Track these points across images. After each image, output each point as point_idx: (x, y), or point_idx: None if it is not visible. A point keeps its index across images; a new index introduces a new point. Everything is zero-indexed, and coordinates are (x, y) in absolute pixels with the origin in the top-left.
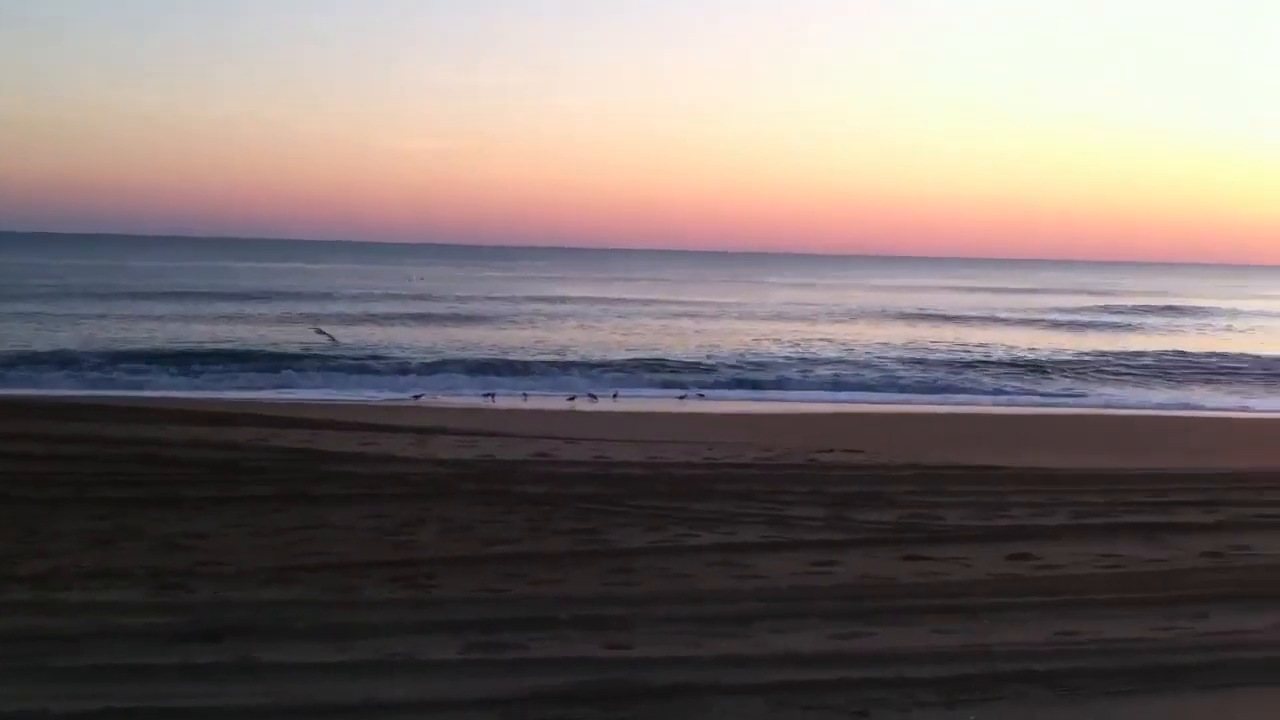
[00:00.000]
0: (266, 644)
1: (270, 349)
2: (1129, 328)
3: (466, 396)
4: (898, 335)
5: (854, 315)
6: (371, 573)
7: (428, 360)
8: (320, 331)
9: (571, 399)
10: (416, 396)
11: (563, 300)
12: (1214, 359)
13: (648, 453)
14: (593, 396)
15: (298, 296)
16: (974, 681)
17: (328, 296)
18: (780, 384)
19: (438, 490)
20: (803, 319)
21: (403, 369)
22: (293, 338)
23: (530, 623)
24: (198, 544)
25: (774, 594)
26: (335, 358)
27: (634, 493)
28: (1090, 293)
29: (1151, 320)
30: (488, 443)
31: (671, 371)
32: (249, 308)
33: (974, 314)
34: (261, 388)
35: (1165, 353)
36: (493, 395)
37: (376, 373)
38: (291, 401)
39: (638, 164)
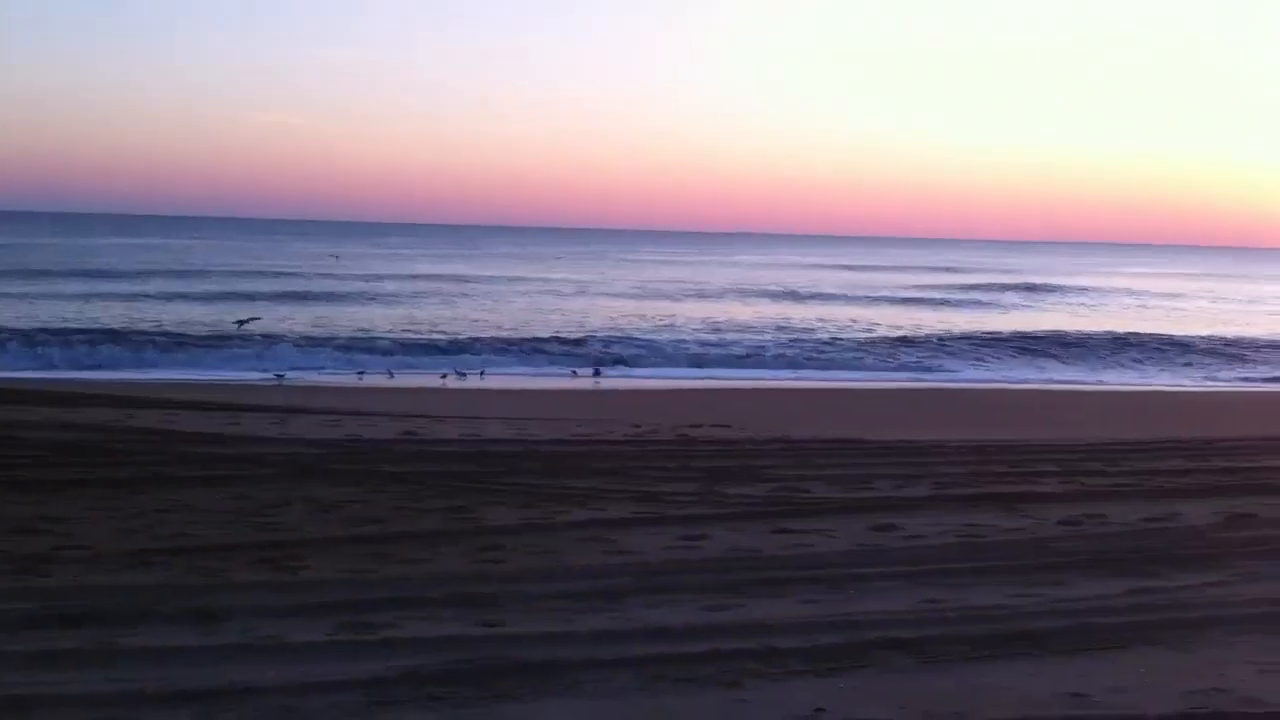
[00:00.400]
0: (127, 629)
1: (128, 328)
2: (986, 304)
3: (331, 375)
4: (763, 312)
5: (720, 292)
6: (235, 555)
7: (290, 339)
8: (243, 323)
9: (444, 376)
10: (279, 376)
11: (428, 278)
12: (1067, 334)
13: (517, 430)
14: (461, 374)
15: (155, 274)
16: (841, 650)
17: (188, 273)
18: (649, 360)
19: (303, 471)
20: (669, 296)
21: (265, 348)
22: (151, 316)
23: (400, 602)
24: (54, 528)
25: (645, 569)
26: (194, 337)
27: (504, 470)
28: (949, 270)
29: (1008, 297)
30: (353, 422)
31: (541, 349)
32: (105, 285)
33: (836, 291)
34: (119, 368)
35: (1021, 328)
36: (361, 374)
37: (237, 352)
38: (150, 381)
39: (506, 140)
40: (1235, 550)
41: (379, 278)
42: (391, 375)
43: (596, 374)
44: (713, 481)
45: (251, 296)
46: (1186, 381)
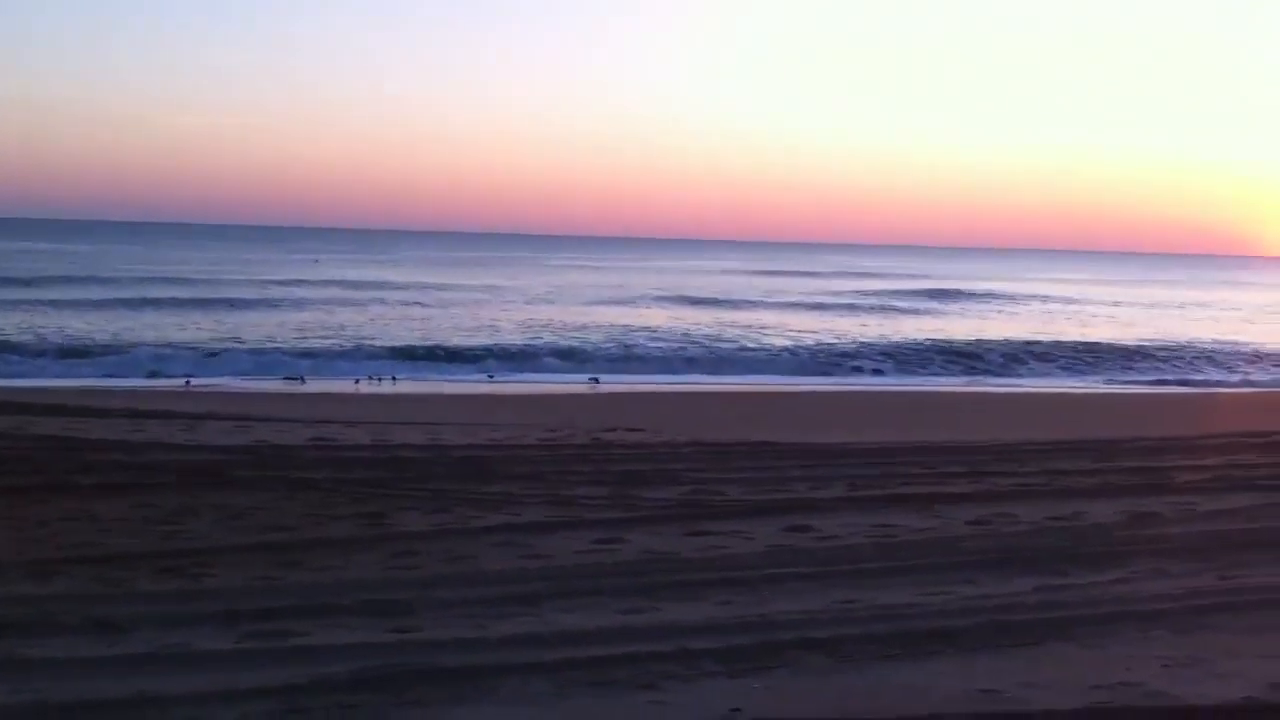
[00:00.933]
0: (30, 640)
1: (25, 334)
2: (901, 310)
3: (240, 381)
4: (680, 316)
5: (636, 297)
6: (141, 564)
7: (197, 344)
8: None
9: (356, 382)
10: (187, 381)
11: (340, 284)
12: (979, 340)
13: (430, 435)
14: (375, 379)
15: (53, 281)
16: (755, 651)
17: (90, 280)
18: (565, 365)
19: (210, 477)
20: (583, 301)
21: (166, 353)
22: (47, 322)
23: (311, 610)
24: None
25: (560, 573)
26: (95, 344)
27: (416, 475)
28: (867, 275)
29: (922, 303)
30: (262, 428)
31: (452, 353)
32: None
33: (751, 296)
34: (15, 375)
35: (933, 333)
36: (282, 378)
37: (136, 356)
38: (50, 388)
39: (420, 143)
40: (1140, 548)
41: (295, 283)
42: (303, 381)
43: (511, 378)
44: (628, 485)
45: (157, 303)
46: (1091, 384)
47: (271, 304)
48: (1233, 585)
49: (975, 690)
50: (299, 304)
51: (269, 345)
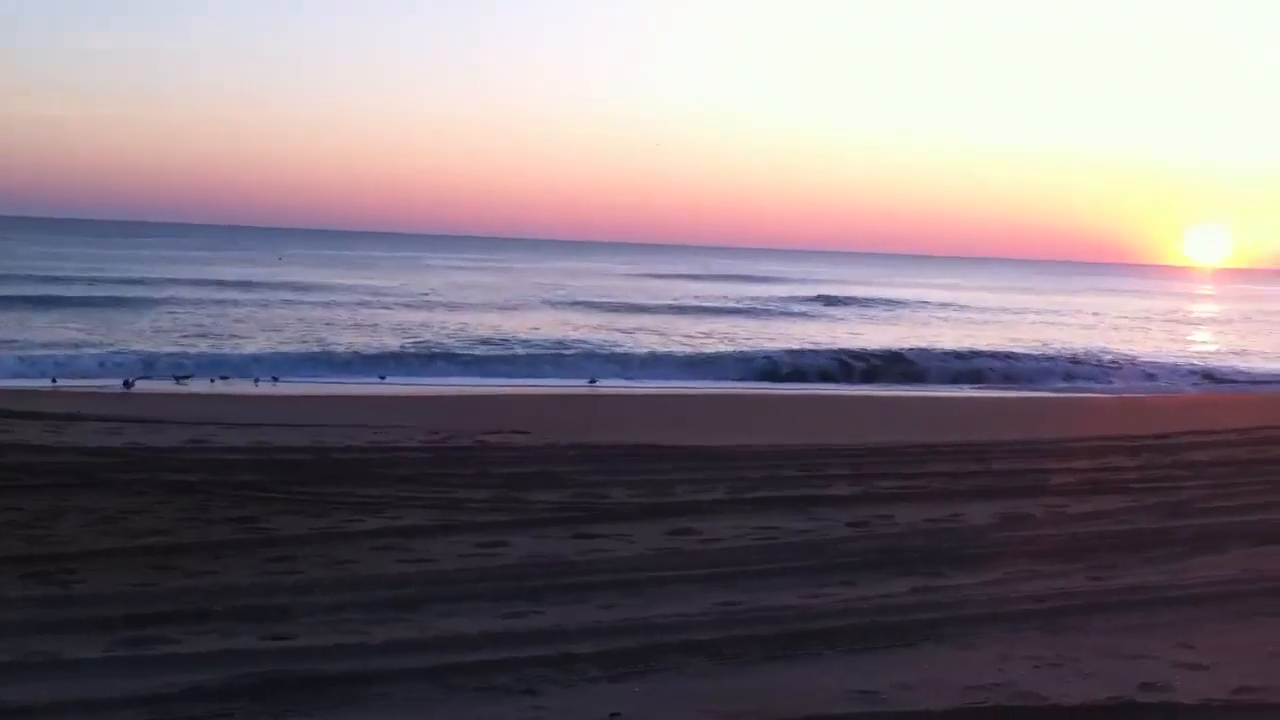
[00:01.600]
0: None
1: None
2: (787, 314)
3: (109, 381)
4: (565, 319)
5: (521, 299)
6: (4, 569)
7: (65, 343)
8: None
9: (254, 380)
10: (54, 380)
11: (218, 284)
12: (858, 346)
13: (310, 437)
14: (254, 381)
15: None
16: (638, 654)
17: None
18: (450, 366)
19: (79, 480)
20: (467, 303)
21: (36, 352)
22: None
23: (184, 616)
24: None
25: (441, 577)
26: None
27: (295, 479)
28: (755, 280)
29: (807, 307)
30: (135, 429)
31: (338, 355)
32: None
33: (637, 300)
34: None
35: (817, 337)
36: (185, 377)
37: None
38: None
39: (302, 140)
40: (1013, 549)
41: (156, 281)
42: (177, 381)
43: (398, 379)
44: (512, 488)
45: (10, 302)
46: (967, 389)
47: (148, 302)
48: (1102, 586)
49: (853, 691)
50: (175, 302)
51: (145, 344)
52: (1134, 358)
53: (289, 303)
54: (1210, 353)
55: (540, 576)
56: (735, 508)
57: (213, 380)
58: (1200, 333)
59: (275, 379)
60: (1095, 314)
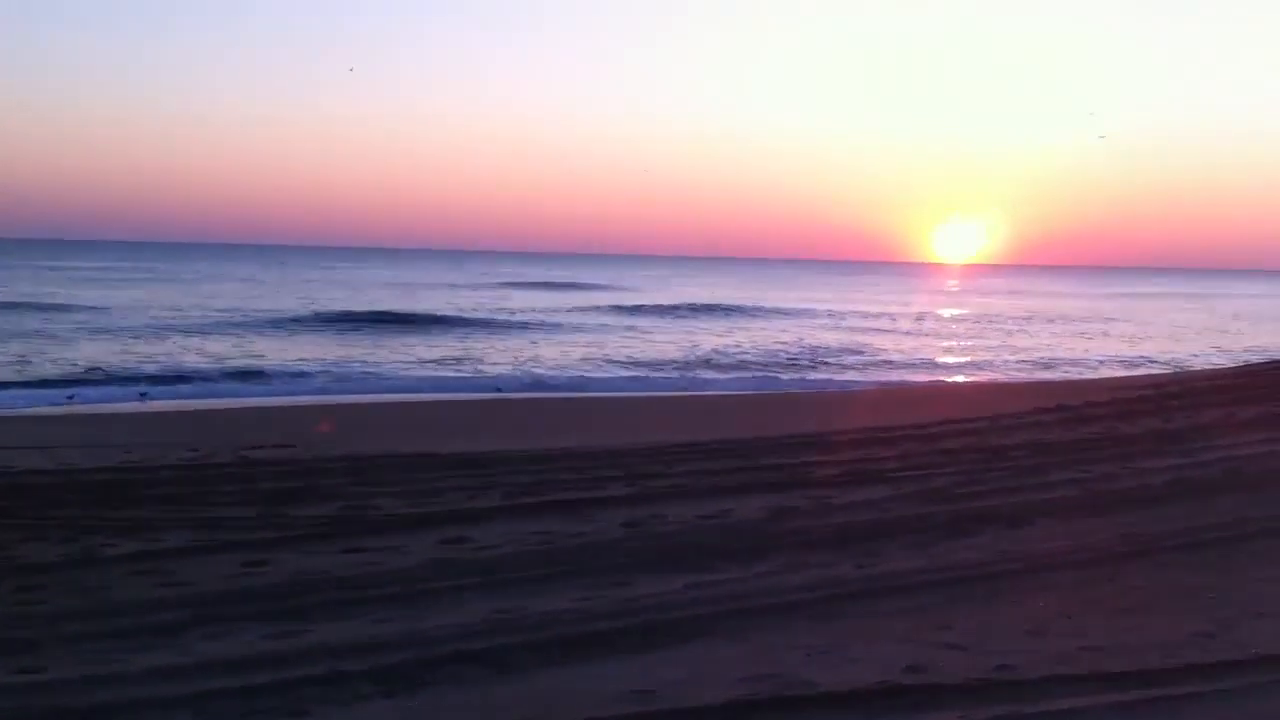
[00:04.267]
0: None
1: None
2: (561, 321)
3: None
4: (341, 338)
5: (289, 309)
6: None
7: None
8: None
9: None
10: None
11: None
12: (631, 355)
13: (56, 459)
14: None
15: None
16: (413, 668)
17: None
18: (209, 381)
19: None
20: (222, 311)
21: None
22: None
23: None
24: None
25: (203, 599)
26: None
27: (41, 503)
28: (531, 286)
29: (592, 316)
30: None
31: (83, 374)
32: None
33: (412, 308)
34: None
35: (592, 343)
36: None
37: None
38: None
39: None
40: (782, 541)
41: None
42: None
43: (144, 394)
44: (277, 503)
45: None
46: (734, 387)
47: None
48: (867, 573)
49: (630, 691)
50: None
51: None
52: (883, 350)
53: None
54: (953, 347)
55: (308, 594)
56: (509, 513)
57: None
58: (945, 326)
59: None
60: (831, 313)
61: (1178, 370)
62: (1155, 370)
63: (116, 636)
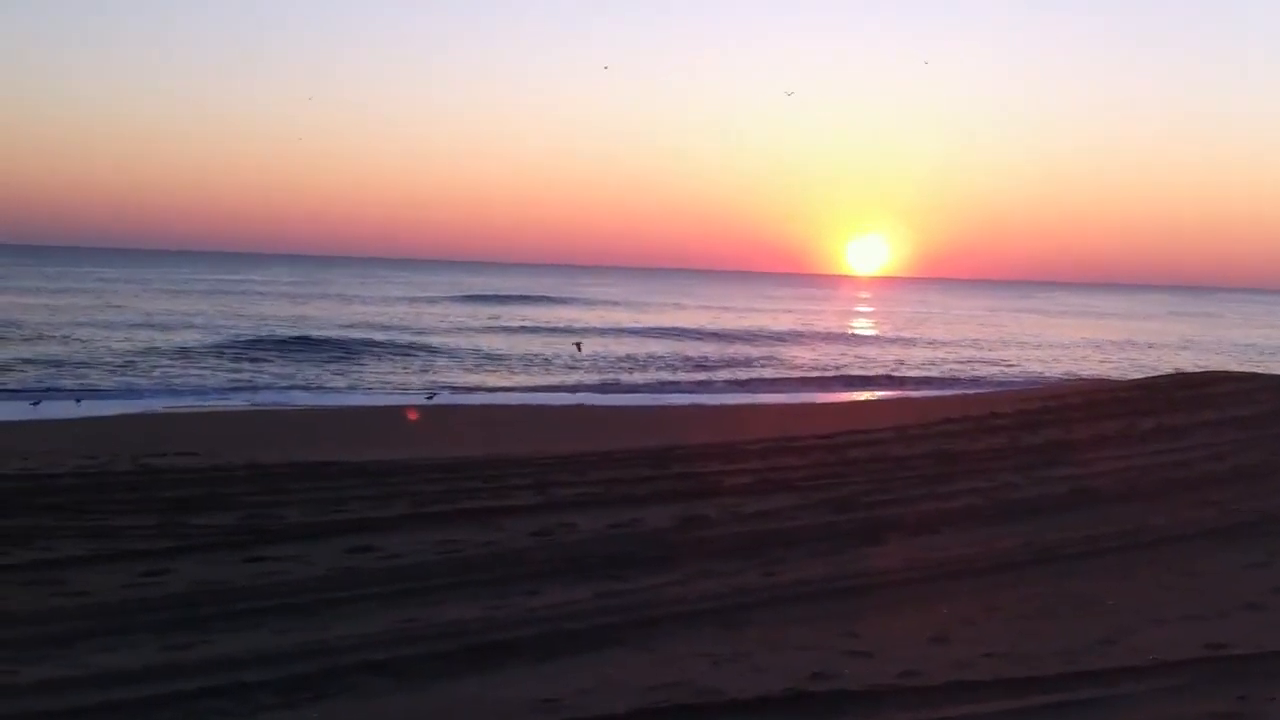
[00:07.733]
0: None
1: None
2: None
3: None
4: (249, 354)
5: (184, 314)
6: None
7: None
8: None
9: None
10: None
11: None
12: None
13: None
14: None
15: None
16: (315, 678)
17: None
18: (115, 389)
19: None
20: (124, 317)
21: None
22: None
23: None
24: None
25: (99, 610)
26: None
27: None
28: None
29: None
30: None
31: None
32: None
33: (316, 314)
34: None
35: (496, 351)
36: None
37: None
38: None
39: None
40: (691, 550)
41: None
42: None
43: (36, 403)
44: (177, 512)
45: None
46: (646, 396)
47: None
48: (774, 581)
49: (536, 700)
50: None
51: None
52: (794, 362)
53: None
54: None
55: (208, 604)
56: (416, 522)
57: None
58: (856, 339)
59: None
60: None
61: (1081, 381)
62: (1061, 380)
63: (8, 647)
